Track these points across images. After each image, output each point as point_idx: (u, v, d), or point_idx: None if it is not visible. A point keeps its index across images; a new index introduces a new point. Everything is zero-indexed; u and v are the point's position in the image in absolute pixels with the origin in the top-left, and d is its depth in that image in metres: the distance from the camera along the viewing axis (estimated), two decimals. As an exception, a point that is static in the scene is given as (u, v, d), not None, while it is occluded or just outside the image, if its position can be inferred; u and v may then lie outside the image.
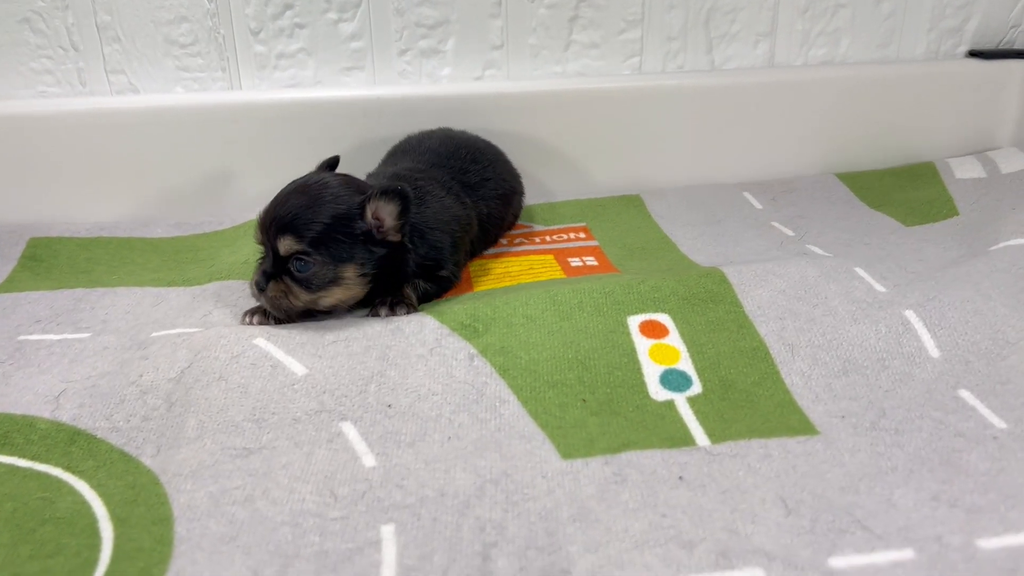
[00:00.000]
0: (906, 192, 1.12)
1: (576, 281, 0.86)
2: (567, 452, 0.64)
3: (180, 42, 1.11)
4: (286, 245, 0.79)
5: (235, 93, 1.14)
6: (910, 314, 0.77)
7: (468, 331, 0.79)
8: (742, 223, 1.06)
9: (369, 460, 0.64)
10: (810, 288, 0.82)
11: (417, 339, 0.78)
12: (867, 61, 1.23)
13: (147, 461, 0.66)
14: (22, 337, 0.84)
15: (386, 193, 0.80)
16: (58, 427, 0.70)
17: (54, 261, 1.02)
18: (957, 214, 1.03)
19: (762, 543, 0.55)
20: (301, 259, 0.79)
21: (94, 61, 1.11)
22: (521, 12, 1.14)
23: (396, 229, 0.82)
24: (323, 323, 0.81)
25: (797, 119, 1.20)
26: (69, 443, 0.69)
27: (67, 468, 0.66)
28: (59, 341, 0.83)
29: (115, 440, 0.69)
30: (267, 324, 0.82)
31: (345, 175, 0.85)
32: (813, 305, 0.80)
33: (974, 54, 1.23)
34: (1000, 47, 1.24)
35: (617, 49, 1.17)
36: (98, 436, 0.69)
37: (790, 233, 1.01)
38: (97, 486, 0.64)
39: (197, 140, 1.12)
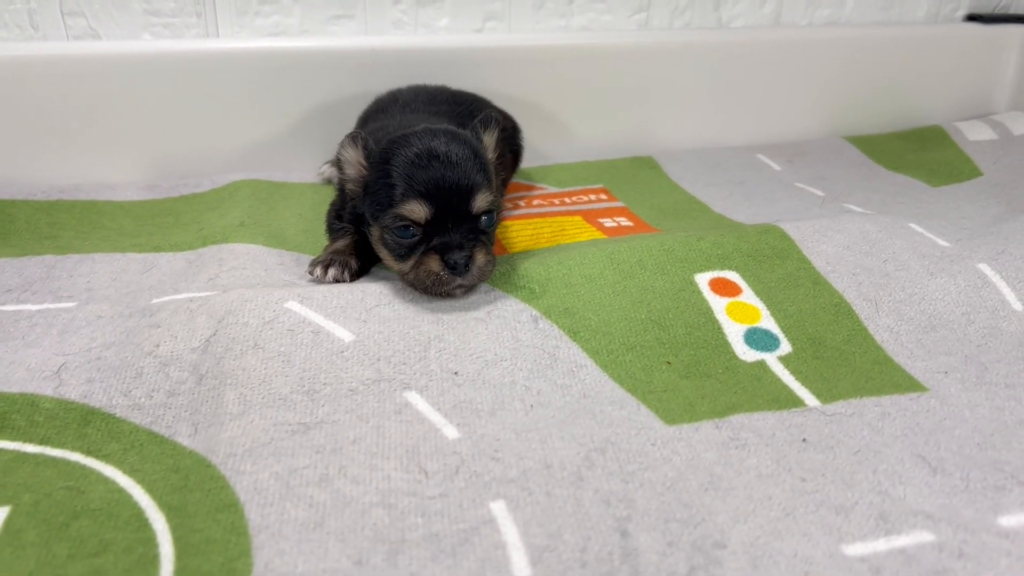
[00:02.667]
0: (919, 155, 1.10)
1: (627, 239, 0.79)
2: (670, 418, 0.58)
3: (149, -18, 0.99)
4: (483, 201, 0.69)
5: (211, 41, 1.02)
6: (984, 267, 0.74)
7: (524, 292, 0.71)
8: (766, 184, 1.01)
9: (451, 432, 0.56)
10: (874, 243, 0.78)
11: (468, 302, 0.70)
12: (870, 23, 1.20)
13: (185, 441, 0.57)
14: (-5, 308, 0.72)
15: (485, 123, 0.75)
16: (66, 406, 0.59)
17: (11, 226, 0.89)
18: (981, 174, 1.02)
19: (919, 504, 0.50)
20: (491, 210, 0.70)
21: (48, 1, 0.98)
22: (526, -40, 1.06)
23: (495, 160, 0.76)
24: (362, 285, 0.72)
25: (802, 80, 1.17)
26: (83, 424, 0.58)
27: (88, 452, 0.56)
28: (40, 311, 0.72)
29: (138, 419, 0.59)
30: (343, 280, 0.73)
31: (423, 125, 0.76)
32: (883, 260, 0.76)
33: (972, 18, 1.23)
34: (996, 11, 1.24)
35: (624, 3, 1.11)
36: (117, 415, 0.59)
37: (819, 193, 0.98)
38: (132, 471, 0.54)
39: (167, 94, 1.00)
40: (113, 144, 1.00)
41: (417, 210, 0.68)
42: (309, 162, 1.04)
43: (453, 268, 0.67)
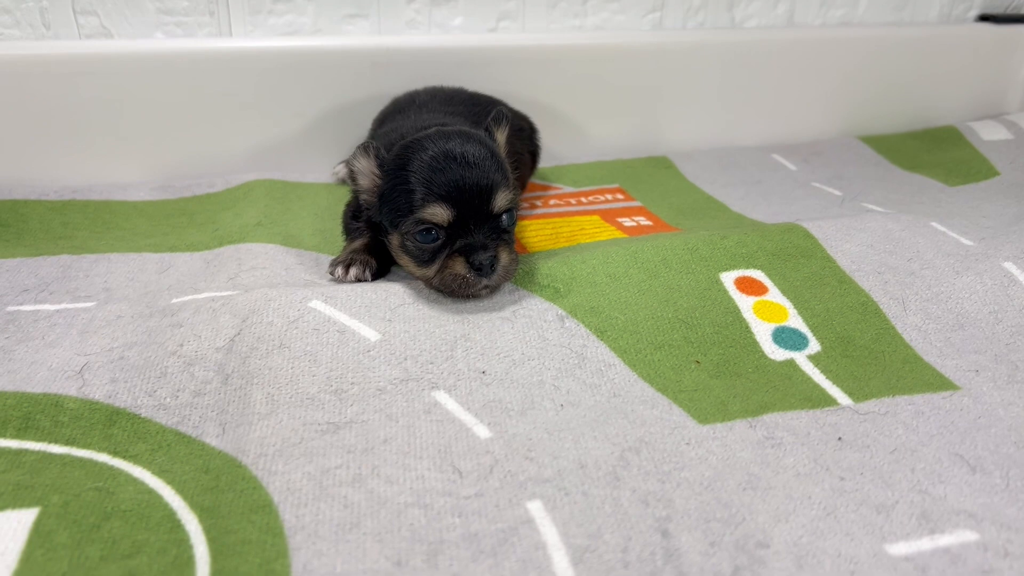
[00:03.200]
0: (934, 155, 1.10)
1: (650, 238, 0.79)
2: (702, 417, 0.58)
3: (162, -19, 0.98)
4: (504, 199, 0.68)
5: (224, 40, 1.01)
6: (1010, 266, 0.74)
7: (549, 291, 0.71)
8: (783, 183, 1.01)
9: (482, 431, 0.56)
10: (898, 242, 0.77)
11: (493, 302, 0.70)
12: (883, 23, 1.20)
13: (213, 441, 0.56)
14: (12, 308, 0.71)
15: (497, 120, 0.74)
16: (91, 406, 0.59)
17: (24, 226, 0.88)
18: (998, 174, 1.01)
19: (961, 503, 0.50)
20: (511, 208, 0.70)
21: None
22: (540, -41, 1.06)
23: (511, 155, 0.76)
24: (385, 284, 0.71)
25: (815, 80, 1.17)
26: (108, 424, 0.57)
27: (115, 453, 0.55)
28: (59, 311, 0.71)
29: (164, 419, 0.58)
30: (364, 279, 0.73)
31: (434, 127, 0.76)
32: (908, 259, 0.75)
33: (985, 18, 1.23)
34: (1009, 11, 1.24)
35: (637, 3, 1.11)
36: (142, 415, 0.58)
37: (837, 193, 0.97)
38: (160, 472, 0.53)
39: (180, 93, 0.99)
40: (125, 144, 1.00)
41: (439, 213, 0.67)
42: (323, 162, 1.04)
43: (479, 269, 0.67)
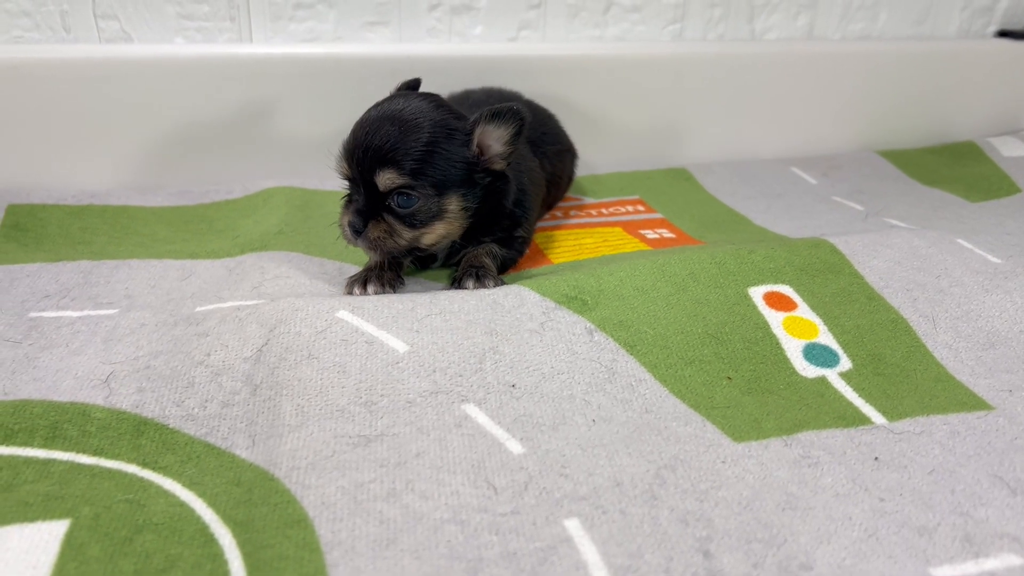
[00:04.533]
0: (954, 170, 1.09)
1: (677, 251, 0.78)
2: (737, 435, 0.57)
3: (183, -14, 0.98)
4: (387, 179, 0.69)
5: (244, 46, 1.01)
6: (1039, 285, 0.73)
7: (576, 304, 0.70)
8: (804, 197, 1.01)
9: (515, 446, 0.55)
10: (925, 259, 0.77)
11: (522, 312, 0.69)
12: (903, 37, 1.20)
13: (243, 453, 0.55)
14: (34, 314, 0.71)
15: (497, 115, 0.71)
16: (118, 416, 0.58)
17: (43, 231, 0.88)
18: (1020, 190, 1.01)
19: (1004, 527, 0.49)
20: (404, 193, 0.70)
21: (81, 3, 0.97)
22: (562, -31, 1.06)
23: (503, 156, 0.73)
24: (411, 295, 0.71)
25: (835, 93, 1.17)
26: (136, 434, 0.57)
27: (144, 464, 0.54)
28: (81, 318, 0.70)
29: (192, 430, 0.57)
30: (383, 292, 0.72)
31: (434, 95, 0.75)
32: (936, 276, 0.75)
33: (1004, 34, 1.23)
34: (1027, 28, 1.24)
35: (658, 14, 1.11)
36: (170, 426, 0.58)
37: (859, 207, 0.97)
38: (191, 484, 0.53)
39: (199, 98, 0.99)
40: (143, 149, 0.99)
41: (339, 164, 0.72)
42: (342, 169, 1.03)
43: (347, 228, 0.71)
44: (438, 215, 0.71)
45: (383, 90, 1.02)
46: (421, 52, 1.03)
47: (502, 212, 0.77)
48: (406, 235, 0.71)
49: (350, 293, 0.73)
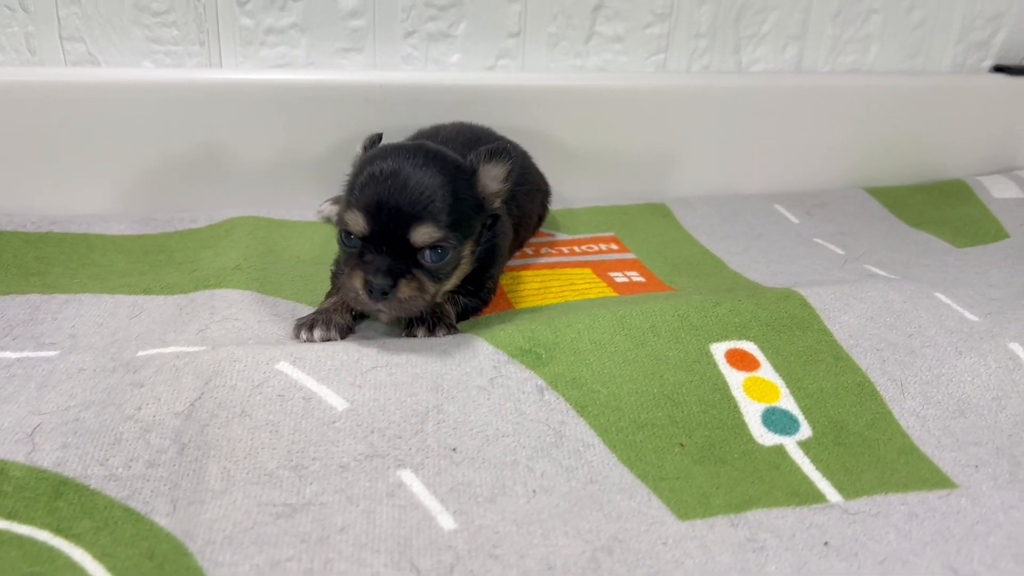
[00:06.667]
0: (943, 211, 1.06)
1: (640, 300, 0.76)
2: (682, 512, 0.54)
3: (152, 8, 0.96)
4: (424, 234, 0.66)
5: (214, 71, 0.99)
6: (1016, 347, 0.70)
7: (530, 358, 0.67)
8: (784, 238, 0.98)
9: (446, 521, 0.53)
10: (899, 315, 0.74)
11: (472, 366, 0.66)
12: (894, 71, 1.17)
13: (162, 521, 0.53)
14: (-29, 355, 0.68)
15: (493, 154, 0.70)
16: (38, 475, 0.56)
17: (-3, 259, 0.86)
18: (1008, 236, 0.98)
19: (952, 629, 0.46)
20: (439, 247, 0.67)
21: (47, 25, 0.95)
22: (542, -3, 1.03)
23: (499, 195, 0.72)
24: (358, 344, 0.68)
25: (823, 128, 1.14)
26: (55, 496, 0.54)
27: (57, 531, 0.52)
28: (20, 360, 0.68)
29: (115, 492, 0.55)
30: (332, 339, 0.69)
31: (423, 141, 0.73)
32: (908, 335, 0.72)
33: (999, 69, 1.19)
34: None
35: (641, 44, 1.08)
36: (91, 487, 0.55)
37: (839, 251, 0.94)
38: (102, 556, 0.50)
39: (167, 124, 0.97)
40: (108, 174, 0.97)
41: (355, 221, 0.67)
42: (310, 199, 1.01)
43: (371, 292, 0.65)
44: (458, 264, 0.69)
45: (356, 119, 1.01)
46: (396, 80, 1.01)
47: (500, 250, 0.76)
48: (432, 289, 0.68)
49: (297, 338, 0.71)
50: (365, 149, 0.73)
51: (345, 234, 0.68)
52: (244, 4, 0.97)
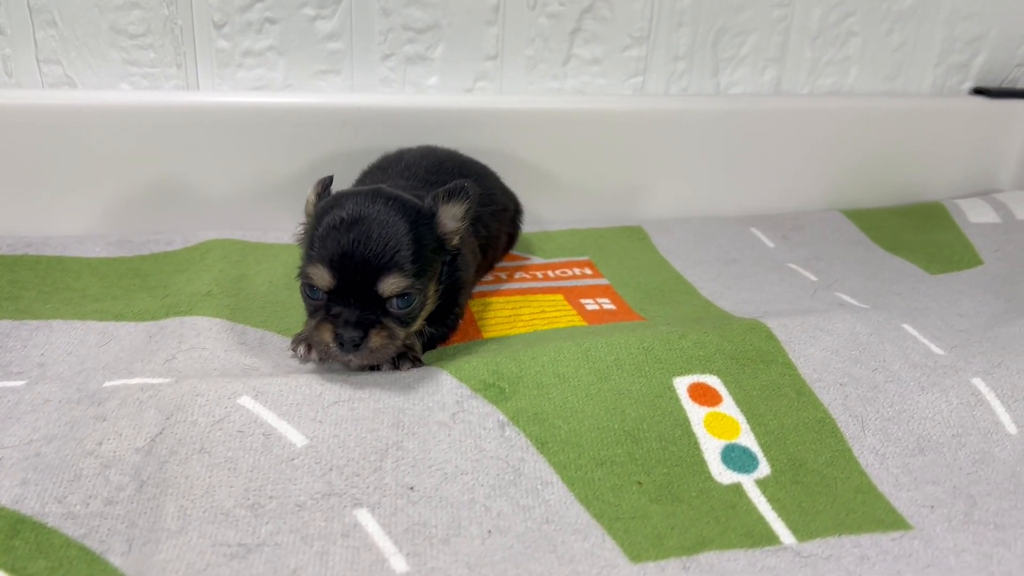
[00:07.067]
0: (919, 235, 1.06)
1: (606, 332, 0.76)
2: (635, 554, 0.55)
3: (129, 31, 0.96)
4: (392, 284, 0.66)
5: (191, 93, 0.99)
6: (979, 383, 0.70)
7: (493, 392, 0.68)
8: (758, 264, 0.98)
9: (399, 563, 0.53)
10: (864, 348, 0.74)
11: (434, 401, 0.67)
12: (873, 93, 1.17)
13: (116, 561, 0.53)
14: (-63, 385, 0.69)
15: (451, 194, 0.70)
16: (-5, 512, 0.56)
17: (-30, 284, 0.86)
18: (981, 263, 0.98)
19: None
20: (406, 294, 0.67)
21: (23, 47, 0.95)
22: (520, 20, 1.03)
23: (458, 232, 0.72)
24: (320, 376, 0.68)
25: (801, 150, 1.14)
26: (11, 534, 0.55)
27: (12, 571, 0.52)
28: (-14, 390, 0.68)
29: (71, 531, 0.55)
30: (327, 359, 0.70)
31: (379, 186, 0.73)
32: (873, 369, 0.72)
33: (979, 91, 1.19)
34: (1004, 86, 1.21)
35: (619, 66, 1.08)
36: (48, 525, 0.55)
37: (812, 278, 0.94)
38: (53, 599, 0.50)
39: (144, 145, 0.97)
40: (85, 195, 0.97)
41: (320, 276, 0.66)
42: (286, 221, 1.01)
43: (342, 344, 0.65)
44: (424, 305, 0.70)
45: (333, 141, 1.01)
46: (373, 102, 1.01)
47: (463, 283, 0.76)
48: (401, 335, 0.68)
49: (294, 352, 0.73)
50: (318, 196, 0.72)
51: (309, 287, 0.68)
52: (221, 27, 0.97)
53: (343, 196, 0.69)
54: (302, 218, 1.00)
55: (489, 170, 0.96)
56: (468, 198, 0.71)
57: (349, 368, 0.70)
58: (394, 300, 0.67)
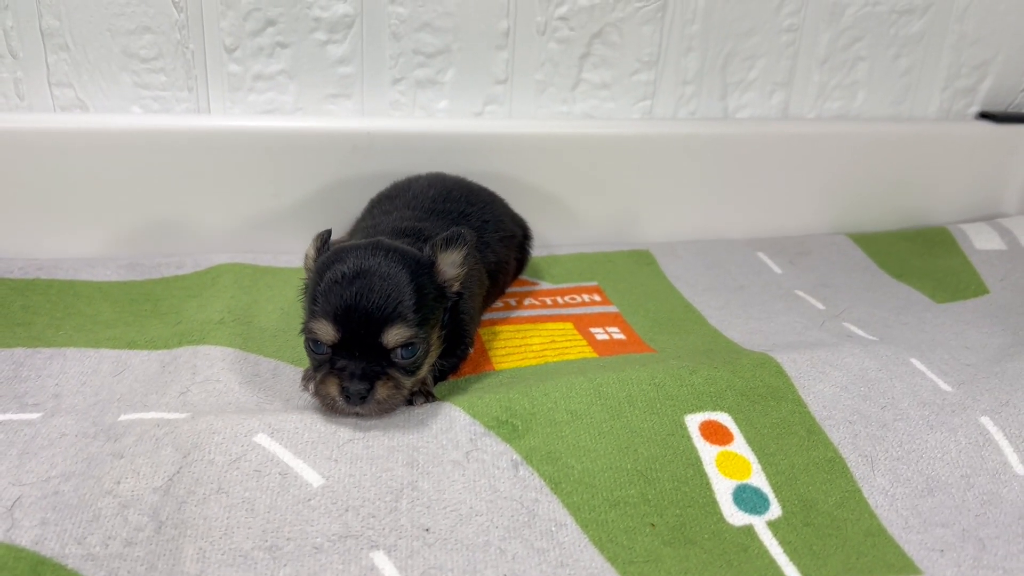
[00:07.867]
0: (925, 260, 1.07)
1: (617, 366, 0.76)
2: (648, 598, 0.55)
3: (141, 55, 0.96)
4: (396, 335, 0.66)
5: (202, 117, 1.00)
6: (987, 421, 0.71)
7: (506, 429, 0.68)
8: (766, 291, 0.98)
9: (416, 608, 0.53)
10: (873, 385, 0.75)
11: (448, 438, 0.67)
12: (880, 118, 1.18)
13: (136, 605, 0.54)
14: (-49, 418, 0.69)
15: (449, 242, 0.71)
16: (16, 554, 0.56)
17: (-17, 308, 0.87)
18: (987, 292, 0.99)
19: None
20: (410, 344, 0.67)
21: (36, 71, 0.95)
22: (530, 45, 1.03)
23: (457, 279, 0.73)
24: (331, 417, 0.69)
25: (808, 174, 1.14)
26: (31, 577, 0.55)
27: (32, 615, 0.53)
28: (2, 423, 0.69)
29: (92, 572, 0.56)
30: (334, 413, 0.69)
31: (378, 239, 0.73)
32: (882, 407, 0.73)
33: (985, 116, 1.20)
34: (1009, 110, 1.22)
35: (628, 90, 1.08)
36: (68, 566, 0.56)
37: (820, 306, 0.95)
38: (75, 645, 0.51)
39: (155, 168, 0.98)
40: (96, 218, 0.98)
41: (324, 331, 0.67)
42: (297, 245, 1.01)
43: (348, 397, 0.66)
44: (428, 352, 0.70)
45: (344, 164, 1.01)
46: (383, 126, 1.01)
47: (465, 326, 0.77)
48: (408, 384, 0.69)
49: (305, 389, 0.73)
50: (317, 250, 0.72)
51: (313, 342, 0.68)
52: (232, 51, 0.98)
53: (343, 250, 0.70)
54: (313, 238, 1.01)
55: (497, 197, 0.97)
56: (465, 245, 0.72)
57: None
58: (399, 350, 0.67)
